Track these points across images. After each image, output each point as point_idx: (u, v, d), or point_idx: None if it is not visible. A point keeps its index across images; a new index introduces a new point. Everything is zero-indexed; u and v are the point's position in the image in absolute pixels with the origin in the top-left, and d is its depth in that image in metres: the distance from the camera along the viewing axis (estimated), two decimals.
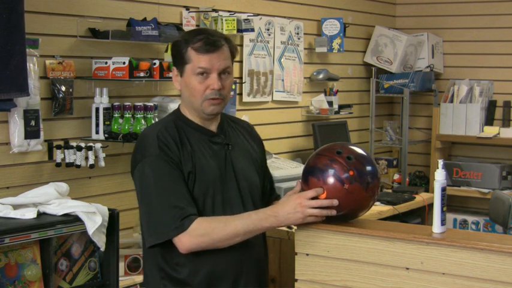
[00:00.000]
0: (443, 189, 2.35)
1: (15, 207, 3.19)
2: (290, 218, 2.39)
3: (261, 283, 2.61)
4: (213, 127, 2.58)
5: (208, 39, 2.49)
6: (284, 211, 2.40)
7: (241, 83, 4.93)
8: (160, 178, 2.42)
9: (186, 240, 2.38)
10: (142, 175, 2.45)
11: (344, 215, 2.43)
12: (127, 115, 3.90)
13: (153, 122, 3.93)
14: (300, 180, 2.48)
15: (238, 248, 2.49)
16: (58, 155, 3.73)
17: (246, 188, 2.56)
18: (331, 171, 2.37)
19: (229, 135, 2.62)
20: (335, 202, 2.37)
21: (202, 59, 2.47)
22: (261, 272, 2.62)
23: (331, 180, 2.36)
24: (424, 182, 6.16)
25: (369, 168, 2.40)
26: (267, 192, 2.73)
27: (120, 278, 3.41)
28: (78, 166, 3.75)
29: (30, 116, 3.56)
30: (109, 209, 3.28)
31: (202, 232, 2.38)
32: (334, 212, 2.38)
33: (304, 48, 5.51)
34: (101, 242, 3.20)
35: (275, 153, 5.02)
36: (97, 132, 3.86)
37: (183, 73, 2.52)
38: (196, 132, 2.54)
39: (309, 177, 2.41)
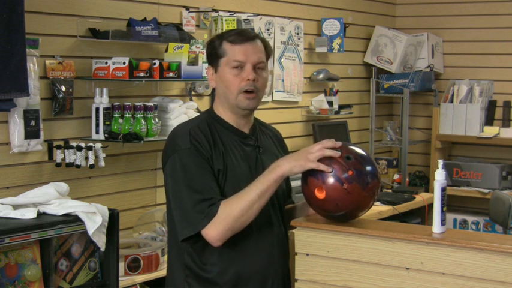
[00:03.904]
0: (443, 189, 2.35)
1: (15, 207, 3.19)
2: (292, 162, 2.38)
3: (285, 284, 2.62)
4: (246, 129, 2.59)
5: (243, 31, 2.55)
6: (285, 158, 2.42)
7: None
8: (190, 171, 2.42)
9: (213, 231, 2.37)
10: (173, 168, 2.46)
11: (343, 215, 2.43)
12: (127, 115, 3.90)
13: (153, 122, 3.94)
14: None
15: (268, 249, 2.52)
16: (58, 155, 3.73)
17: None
18: (329, 172, 2.36)
19: (260, 138, 2.63)
20: (337, 154, 2.36)
21: (237, 50, 2.49)
22: (286, 274, 2.63)
23: (330, 179, 2.36)
24: (424, 182, 6.16)
25: (368, 168, 2.40)
26: (285, 196, 2.73)
27: (120, 278, 3.41)
28: (78, 166, 3.75)
29: (30, 116, 3.56)
30: (109, 209, 3.28)
31: (223, 216, 2.37)
32: (338, 154, 2.37)
33: (304, 48, 5.51)
34: (101, 242, 3.20)
35: None
36: (97, 132, 3.87)
37: (217, 68, 2.53)
38: (229, 133, 2.55)
39: (308, 177, 2.41)
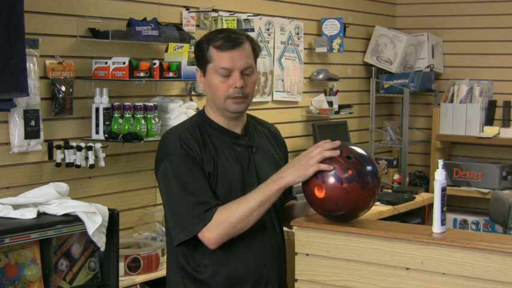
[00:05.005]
0: (443, 189, 2.35)
1: (15, 207, 3.19)
2: (294, 173, 2.38)
3: (281, 285, 2.62)
4: (238, 129, 2.58)
5: (230, 37, 2.48)
6: (288, 169, 2.40)
7: None
8: (182, 175, 2.42)
9: (209, 234, 2.37)
10: (165, 173, 2.45)
11: (344, 215, 2.43)
12: (127, 115, 3.90)
13: (153, 122, 3.94)
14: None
15: (261, 250, 2.52)
16: (58, 155, 3.73)
17: None
18: (330, 170, 2.36)
19: (253, 138, 2.62)
20: (337, 153, 2.37)
21: (223, 57, 2.47)
22: (282, 275, 2.63)
23: (330, 179, 2.36)
24: (424, 182, 6.16)
25: (368, 168, 2.39)
26: (286, 192, 2.72)
27: (120, 278, 3.41)
28: (78, 166, 3.75)
29: (30, 116, 3.56)
30: (109, 209, 3.28)
31: (220, 220, 2.37)
32: (337, 153, 2.37)
33: (304, 48, 5.51)
34: (101, 242, 3.20)
35: None
36: (97, 132, 3.87)
37: (205, 73, 2.52)
38: (220, 134, 2.54)
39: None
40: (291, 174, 2.39)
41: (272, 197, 2.40)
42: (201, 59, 2.53)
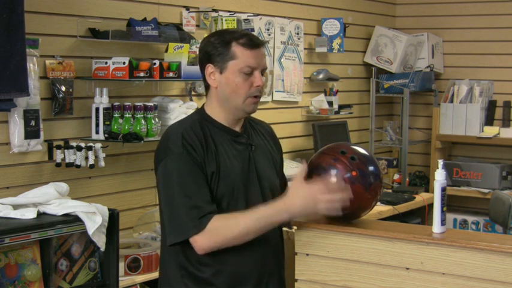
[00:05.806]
0: (443, 189, 2.35)
1: (15, 207, 3.19)
2: (302, 212, 2.39)
3: (281, 284, 2.62)
4: (238, 127, 2.58)
5: (251, 35, 2.51)
6: (296, 206, 2.38)
7: None
8: (182, 176, 2.41)
9: (201, 241, 2.38)
10: (165, 173, 2.44)
11: (345, 216, 2.43)
12: (127, 115, 3.90)
13: (153, 122, 3.94)
14: (304, 160, 2.48)
15: (262, 249, 2.52)
16: (58, 155, 3.73)
17: (267, 188, 2.56)
18: (333, 171, 2.37)
19: (251, 136, 2.62)
20: (347, 196, 2.35)
21: (250, 55, 2.47)
22: (281, 273, 2.63)
23: (333, 179, 2.36)
24: (424, 182, 6.16)
25: (371, 169, 2.40)
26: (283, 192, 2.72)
27: (120, 278, 3.41)
28: (78, 166, 3.75)
29: (30, 116, 3.56)
30: (109, 209, 3.28)
31: (215, 232, 2.37)
32: (347, 203, 2.36)
33: (304, 48, 5.51)
34: (101, 242, 3.20)
35: None
36: (97, 132, 3.86)
37: (224, 70, 2.49)
38: (221, 132, 2.53)
39: (312, 175, 2.42)
40: (299, 213, 2.41)
41: (271, 226, 2.42)
42: (216, 56, 2.49)
